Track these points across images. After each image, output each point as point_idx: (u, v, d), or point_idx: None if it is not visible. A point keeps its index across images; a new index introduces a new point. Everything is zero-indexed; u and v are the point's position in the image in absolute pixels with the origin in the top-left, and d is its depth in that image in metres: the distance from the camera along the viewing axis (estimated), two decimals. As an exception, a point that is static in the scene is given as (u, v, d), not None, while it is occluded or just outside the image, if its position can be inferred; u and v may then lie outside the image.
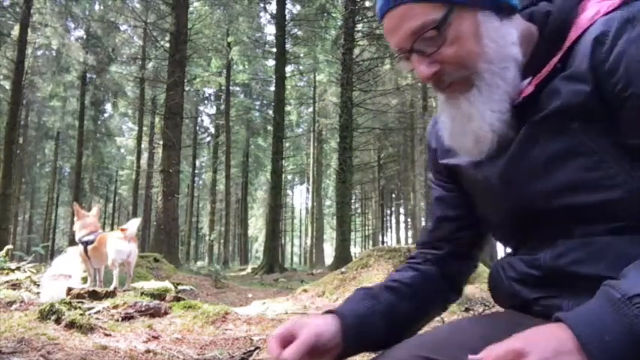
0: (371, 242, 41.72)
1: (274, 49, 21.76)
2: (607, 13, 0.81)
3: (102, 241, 4.81)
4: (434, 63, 0.84)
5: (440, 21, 0.81)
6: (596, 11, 0.82)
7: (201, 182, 44.65)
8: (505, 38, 0.84)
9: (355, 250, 34.97)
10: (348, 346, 0.90)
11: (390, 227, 44.35)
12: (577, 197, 0.80)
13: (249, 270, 19.89)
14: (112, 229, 42.36)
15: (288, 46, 22.89)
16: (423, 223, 29.10)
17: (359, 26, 19.79)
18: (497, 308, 1.01)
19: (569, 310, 0.72)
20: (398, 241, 40.82)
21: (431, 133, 1.09)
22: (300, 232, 51.08)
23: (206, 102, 36.97)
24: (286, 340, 0.85)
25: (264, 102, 35.72)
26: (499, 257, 1.07)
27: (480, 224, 1.05)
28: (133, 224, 5.06)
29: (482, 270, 5.84)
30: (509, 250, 1.02)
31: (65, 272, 4.43)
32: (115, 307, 3.50)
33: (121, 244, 4.78)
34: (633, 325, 0.61)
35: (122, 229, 4.96)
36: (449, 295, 1.07)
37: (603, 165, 0.79)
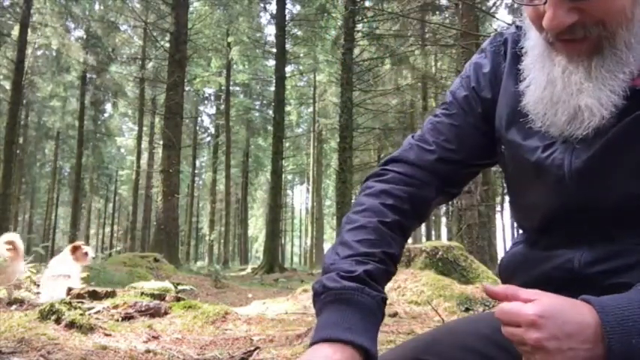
0: (371, 242, 41.65)
1: (274, 49, 21.77)
2: None
3: None
4: (574, 11, 0.69)
5: None
6: None
7: (201, 182, 44.66)
8: None
9: (355, 250, 34.86)
10: None
11: (390, 227, 44.28)
12: None
13: (249, 270, 19.89)
14: (112, 229, 42.29)
15: (288, 46, 22.90)
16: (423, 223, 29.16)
17: (359, 26, 19.77)
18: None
19: None
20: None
21: (474, 76, 0.94)
22: (300, 232, 51.06)
23: (206, 102, 37.00)
24: None
25: (264, 102, 35.71)
26: (500, 256, 1.03)
27: (476, 171, 0.96)
28: (15, 241, 4.30)
29: (483, 270, 5.84)
30: (518, 237, 0.94)
31: (64, 272, 4.42)
32: (115, 307, 3.50)
33: (15, 264, 4.20)
34: None
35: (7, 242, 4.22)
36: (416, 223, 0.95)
37: None
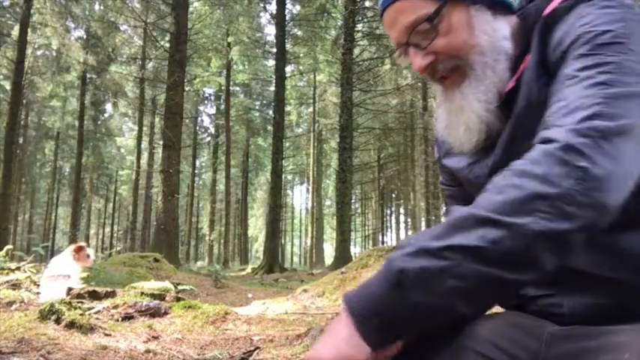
0: (371, 242, 41.70)
1: (274, 49, 21.77)
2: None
3: None
4: (428, 54, 0.88)
5: (432, 15, 0.85)
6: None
7: (201, 182, 44.63)
8: (497, 32, 0.86)
9: (355, 250, 34.99)
10: None
11: (390, 227, 44.34)
12: None
13: (249, 270, 19.89)
14: (112, 229, 42.24)
15: (288, 46, 22.89)
16: (423, 223, 28.95)
17: (359, 26, 19.79)
18: (498, 309, 1.01)
19: (569, 309, 0.76)
20: (398, 241, 40.76)
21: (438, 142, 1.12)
22: (300, 232, 51.05)
23: (206, 102, 36.98)
24: None
25: (264, 102, 35.73)
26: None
27: None
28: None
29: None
30: None
31: (64, 272, 4.42)
32: (115, 307, 3.50)
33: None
34: (394, 271, 0.69)
35: None
36: None
37: None
